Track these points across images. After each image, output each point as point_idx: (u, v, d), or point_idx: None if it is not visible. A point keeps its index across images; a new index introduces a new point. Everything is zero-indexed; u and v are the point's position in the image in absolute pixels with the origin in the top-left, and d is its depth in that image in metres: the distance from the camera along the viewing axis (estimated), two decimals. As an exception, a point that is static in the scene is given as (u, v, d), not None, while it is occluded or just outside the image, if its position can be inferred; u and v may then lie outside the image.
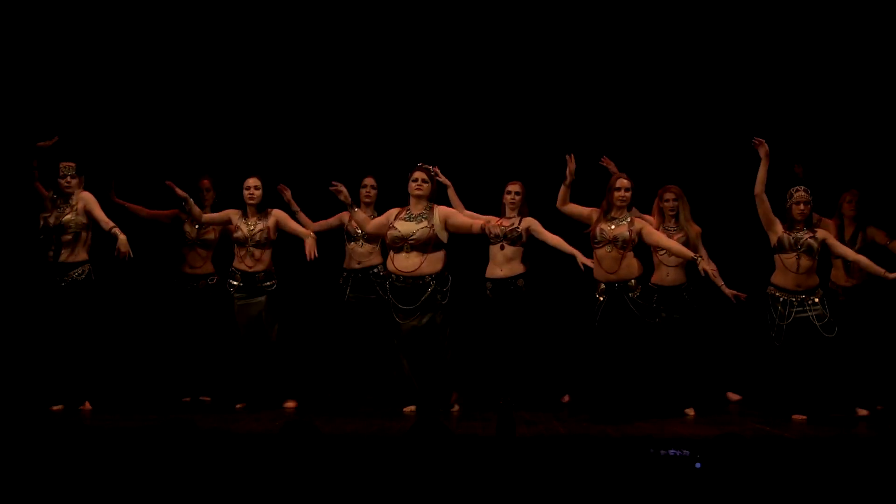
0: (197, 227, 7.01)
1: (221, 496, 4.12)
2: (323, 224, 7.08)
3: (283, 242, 6.93)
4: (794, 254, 6.25)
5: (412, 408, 6.40)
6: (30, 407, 6.31)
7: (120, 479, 4.15)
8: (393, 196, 6.63)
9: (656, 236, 6.37)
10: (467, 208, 6.81)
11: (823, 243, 6.26)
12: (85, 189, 6.53)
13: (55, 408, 6.34)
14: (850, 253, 6.34)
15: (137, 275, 7.43)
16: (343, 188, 6.45)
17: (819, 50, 7.62)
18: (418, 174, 6.37)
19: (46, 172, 6.59)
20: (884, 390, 6.83)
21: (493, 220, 6.76)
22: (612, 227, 6.34)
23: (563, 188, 6.34)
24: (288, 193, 6.98)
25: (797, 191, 6.33)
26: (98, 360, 6.50)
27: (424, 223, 6.29)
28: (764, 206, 6.28)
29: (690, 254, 6.25)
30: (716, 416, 6.35)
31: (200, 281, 7.06)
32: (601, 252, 6.32)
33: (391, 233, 6.33)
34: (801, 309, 6.25)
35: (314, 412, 6.25)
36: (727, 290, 6.34)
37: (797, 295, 6.26)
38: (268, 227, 6.64)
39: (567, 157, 6.24)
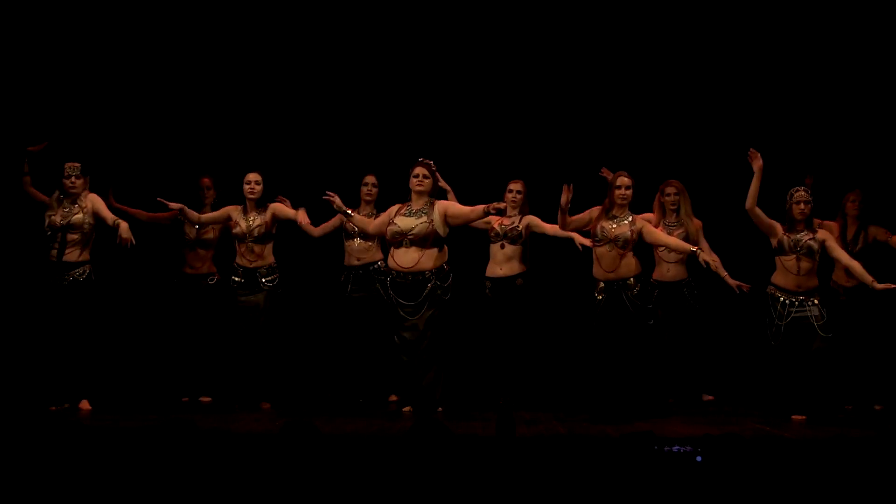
0: (196, 227, 7.01)
1: (221, 496, 4.12)
2: (328, 226, 7.09)
3: (285, 241, 6.93)
4: (794, 256, 6.26)
5: (410, 408, 6.41)
6: (29, 407, 6.31)
7: (120, 479, 4.15)
8: (394, 194, 6.63)
9: (656, 234, 6.39)
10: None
11: (823, 245, 6.26)
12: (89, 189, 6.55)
13: (56, 407, 6.35)
14: (844, 257, 6.31)
15: (138, 275, 7.45)
16: (336, 198, 6.48)
17: (821, 49, 7.62)
18: (419, 170, 6.36)
19: (42, 175, 6.62)
20: (884, 390, 6.84)
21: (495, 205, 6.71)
22: (614, 225, 6.35)
23: (560, 214, 6.35)
24: (287, 203, 6.96)
25: (797, 191, 6.33)
26: (97, 359, 6.51)
27: (424, 218, 6.29)
28: (758, 218, 6.28)
29: (690, 247, 6.28)
30: (714, 416, 6.35)
31: (204, 280, 7.07)
32: (601, 250, 6.33)
33: (391, 228, 6.33)
34: (799, 309, 6.26)
35: (314, 412, 6.25)
36: (731, 281, 6.33)
37: (797, 296, 6.27)
38: (266, 222, 6.65)
39: (564, 186, 6.26)
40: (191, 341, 7.03)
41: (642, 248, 6.45)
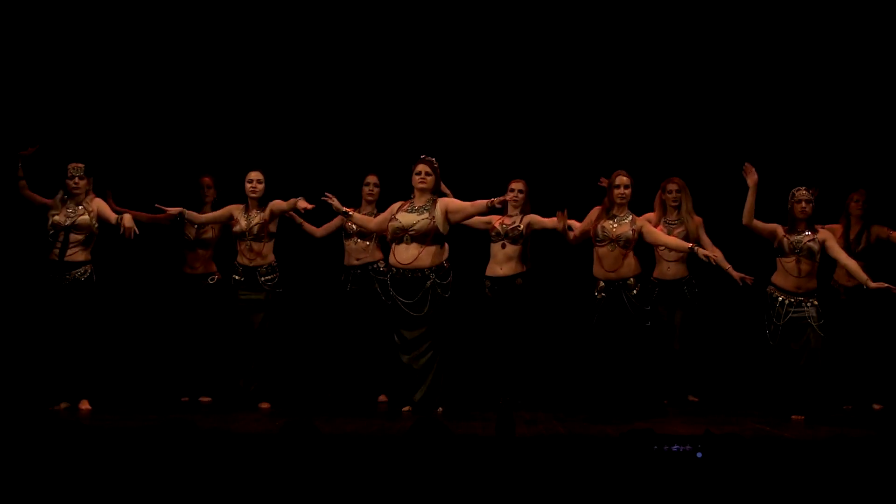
0: (196, 227, 7.02)
1: (221, 496, 4.12)
2: (330, 226, 7.10)
3: (286, 241, 6.93)
4: (794, 257, 6.26)
5: (409, 408, 6.41)
6: (30, 406, 6.31)
7: (120, 479, 4.15)
8: (396, 195, 6.62)
9: (655, 234, 6.41)
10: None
11: (823, 245, 6.26)
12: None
13: (55, 407, 6.35)
14: (843, 256, 6.31)
15: (138, 275, 7.46)
16: (335, 199, 6.51)
17: (824, 48, 7.61)
18: (421, 167, 6.36)
19: (44, 176, 6.64)
20: (883, 390, 6.84)
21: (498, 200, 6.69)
22: (615, 225, 6.36)
23: (566, 235, 6.39)
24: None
25: (799, 190, 6.33)
26: (98, 359, 6.51)
27: (426, 215, 6.29)
28: (758, 229, 6.32)
29: (687, 245, 6.34)
30: (713, 415, 6.35)
31: (204, 279, 7.07)
32: (603, 250, 6.35)
33: (392, 224, 6.33)
34: (798, 310, 6.26)
35: (314, 412, 6.25)
36: (735, 274, 6.33)
37: (795, 296, 6.27)
38: (265, 220, 6.65)
39: (558, 213, 6.30)
40: (191, 341, 7.03)
41: (642, 246, 6.47)
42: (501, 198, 6.25)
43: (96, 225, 6.47)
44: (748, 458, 4.18)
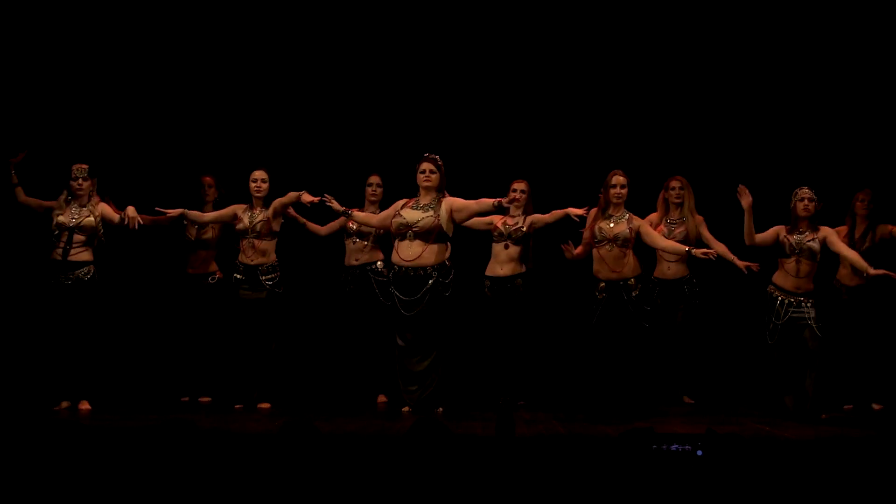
0: (197, 227, 7.02)
1: (221, 496, 4.12)
2: (334, 226, 7.10)
3: (287, 241, 6.92)
4: (794, 258, 6.26)
5: (409, 408, 6.41)
6: (30, 406, 6.31)
7: (120, 479, 4.15)
8: (399, 195, 6.61)
9: (652, 237, 6.42)
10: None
11: (824, 242, 6.27)
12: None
13: (57, 407, 6.35)
14: (843, 249, 6.32)
15: (140, 275, 7.46)
16: (334, 201, 6.51)
17: (828, 47, 7.60)
18: (425, 165, 6.36)
19: (44, 177, 6.67)
20: (883, 390, 6.84)
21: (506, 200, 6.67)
22: (611, 225, 6.37)
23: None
24: (292, 210, 6.94)
25: (802, 189, 6.33)
26: (98, 359, 6.51)
27: (431, 213, 6.28)
28: (762, 242, 6.30)
29: (684, 248, 6.36)
30: (713, 415, 6.35)
31: (205, 279, 7.07)
32: (602, 251, 6.35)
33: (396, 220, 6.33)
34: (797, 310, 6.26)
35: (314, 412, 6.25)
36: (740, 263, 6.33)
37: (795, 296, 6.27)
38: (268, 217, 6.65)
39: (563, 246, 6.35)
40: (191, 341, 7.02)
41: (643, 246, 6.47)
42: (509, 198, 6.25)
43: (101, 231, 6.51)
44: (748, 458, 4.18)
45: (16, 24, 7.48)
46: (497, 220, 6.79)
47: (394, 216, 6.36)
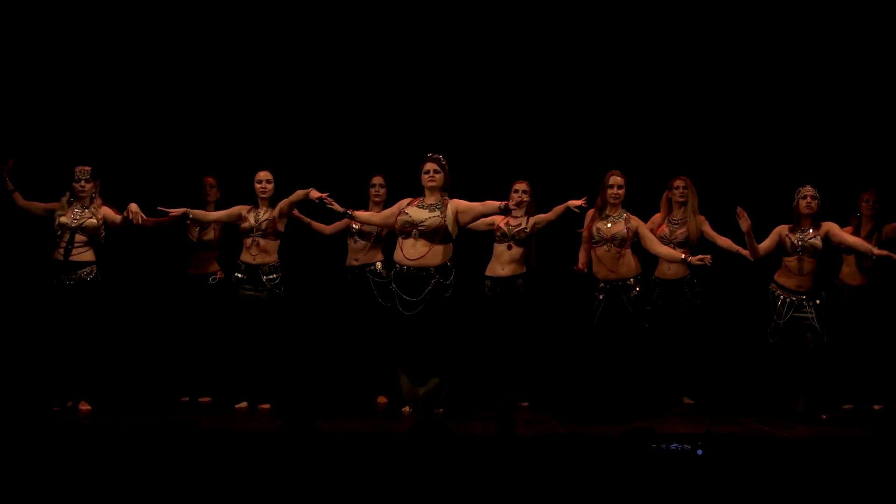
0: (198, 228, 7.02)
1: (221, 496, 4.12)
2: (339, 225, 7.09)
3: (288, 241, 6.91)
4: (796, 256, 6.26)
5: (409, 408, 6.41)
6: (30, 406, 6.31)
7: (120, 479, 4.15)
8: (403, 195, 6.59)
9: (649, 241, 6.42)
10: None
11: (827, 237, 6.27)
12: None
13: (57, 407, 6.35)
14: (845, 237, 6.32)
15: (142, 276, 7.46)
16: (333, 202, 6.52)
17: (833, 47, 7.58)
18: (429, 165, 6.35)
19: (45, 178, 6.68)
20: (884, 390, 6.84)
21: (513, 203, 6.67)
22: (609, 225, 6.37)
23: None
24: (296, 211, 6.94)
25: (804, 187, 6.33)
26: (99, 359, 6.51)
27: (437, 213, 6.27)
28: (768, 250, 6.29)
29: (678, 255, 6.40)
30: (713, 415, 6.35)
31: (206, 279, 7.08)
32: (601, 251, 6.36)
33: (401, 218, 6.31)
34: (798, 308, 6.26)
35: (314, 412, 6.25)
36: (744, 251, 6.32)
37: (797, 295, 6.28)
38: (274, 217, 6.65)
39: (576, 269, 6.36)
40: (192, 341, 7.03)
41: (641, 247, 6.46)
42: (514, 200, 6.25)
43: (104, 234, 6.52)
44: (748, 458, 4.18)
45: (17, 25, 7.47)
46: (499, 220, 6.78)
47: (398, 214, 6.35)
